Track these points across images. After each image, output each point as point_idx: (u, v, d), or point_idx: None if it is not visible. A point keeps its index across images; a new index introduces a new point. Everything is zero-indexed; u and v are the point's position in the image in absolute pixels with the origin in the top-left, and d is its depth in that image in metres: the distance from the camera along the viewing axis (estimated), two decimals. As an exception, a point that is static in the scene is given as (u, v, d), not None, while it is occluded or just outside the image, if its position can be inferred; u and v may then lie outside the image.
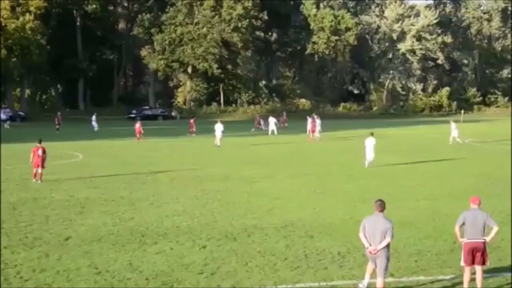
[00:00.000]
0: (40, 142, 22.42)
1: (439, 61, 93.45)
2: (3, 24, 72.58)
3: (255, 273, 10.83)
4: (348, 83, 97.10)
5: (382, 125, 61.84)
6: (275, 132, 48.85)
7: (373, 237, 9.31)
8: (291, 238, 13.37)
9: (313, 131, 43.76)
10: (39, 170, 21.87)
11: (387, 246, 9.33)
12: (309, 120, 45.30)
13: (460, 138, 38.69)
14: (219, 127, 39.73)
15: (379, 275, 9.36)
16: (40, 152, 21.96)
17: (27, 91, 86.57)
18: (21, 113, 72.99)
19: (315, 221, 15.11)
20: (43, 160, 21.93)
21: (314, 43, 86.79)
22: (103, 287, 10.10)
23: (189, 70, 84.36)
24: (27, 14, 73.38)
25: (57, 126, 53.68)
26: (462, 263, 9.87)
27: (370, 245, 9.28)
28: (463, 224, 9.79)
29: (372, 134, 27.05)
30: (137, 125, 43.02)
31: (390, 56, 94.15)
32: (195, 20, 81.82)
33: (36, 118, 69.59)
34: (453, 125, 39.24)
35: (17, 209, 16.76)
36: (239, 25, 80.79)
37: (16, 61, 74.45)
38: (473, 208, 9.86)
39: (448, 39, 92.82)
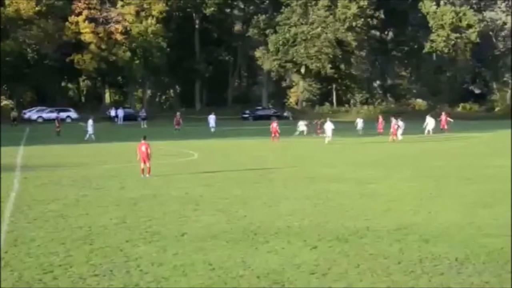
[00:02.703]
0: (144, 139, 23.47)
1: None
2: (128, 28, 76.59)
3: (367, 275, 10.63)
4: (469, 83, 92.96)
5: (505, 126, 58.61)
6: (304, 133, 48.74)
7: None
8: (405, 241, 12.98)
9: (394, 133, 43.02)
10: (147, 164, 22.93)
11: None
12: (393, 121, 44.51)
13: None
14: (329, 126, 40.17)
15: None
16: (143, 148, 23.00)
17: (148, 92, 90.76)
18: (143, 113, 76.19)
19: (430, 225, 14.58)
20: (147, 155, 22.91)
21: (432, 41, 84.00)
22: (216, 283, 10.33)
23: (302, 70, 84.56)
24: (150, 18, 76.93)
25: (176, 127, 55.35)
26: None
27: None
28: None
29: None
30: (274, 124, 44.11)
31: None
32: (310, 20, 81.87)
33: (155, 118, 72.66)
34: None
35: (138, 204, 17.57)
36: (354, 24, 79.89)
37: (139, 64, 78.30)
38: None
39: None
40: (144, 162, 23.08)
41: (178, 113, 59.84)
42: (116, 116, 72.80)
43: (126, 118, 71.67)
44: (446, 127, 51.92)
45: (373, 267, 11.07)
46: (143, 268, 11.09)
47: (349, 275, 10.63)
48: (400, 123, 44.25)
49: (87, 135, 45.25)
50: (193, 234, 13.73)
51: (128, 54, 76.36)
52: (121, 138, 44.78)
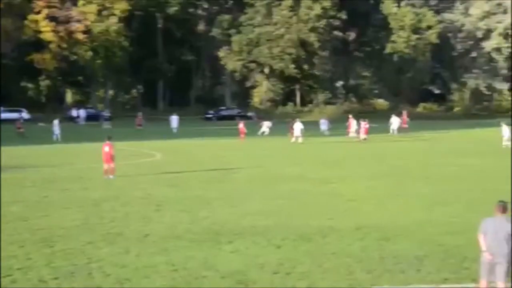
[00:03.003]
0: (109, 139, 23.21)
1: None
2: (89, 27, 75.49)
3: (330, 274, 10.75)
4: (428, 83, 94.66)
5: (464, 126, 59.93)
6: (265, 133, 48.92)
7: (494, 241, 8.77)
8: (366, 240, 13.18)
9: (361, 133, 43.92)
10: (111, 165, 22.69)
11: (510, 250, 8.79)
12: (362, 123, 45.20)
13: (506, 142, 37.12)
14: (298, 126, 40.87)
15: (501, 279, 8.88)
16: (106, 148, 22.75)
17: (110, 92, 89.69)
18: (106, 114, 75.04)
19: (391, 223, 14.83)
20: (111, 156, 22.66)
21: (393, 42, 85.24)
22: (179, 284, 10.30)
23: (266, 70, 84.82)
24: (112, 17, 75.98)
25: (138, 127, 55.00)
26: None
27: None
28: None
29: None
30: (241, 125, 44.40)
31: (474, 55, 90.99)
32: (273, 21, 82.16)
33: (117, 118, 71.72)
34: (504, 128, 37.95)
35: (100, 205, 17.38)
36: (317, 25, 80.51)
37: (101, 63, 77.29)
38: None
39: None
40: (108, 163, 22.81)
41: (140, 114, 59.50)
42: (78, 116, 71.70)
43: (88, 118, 70.63)
44: (406, 125, 53.03)
45: (335, 266, 11.20)
46: (106, 270, 10.99)
47: (312, 274, 10.74)
48: (354, 122, 45.43)
49: (54, 136, 44.64)
50: (156, 235, 13.66)
51: (90, 53, 75.34)
52: (84, 139, 44.15)
